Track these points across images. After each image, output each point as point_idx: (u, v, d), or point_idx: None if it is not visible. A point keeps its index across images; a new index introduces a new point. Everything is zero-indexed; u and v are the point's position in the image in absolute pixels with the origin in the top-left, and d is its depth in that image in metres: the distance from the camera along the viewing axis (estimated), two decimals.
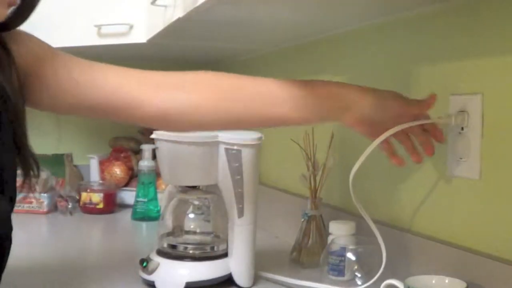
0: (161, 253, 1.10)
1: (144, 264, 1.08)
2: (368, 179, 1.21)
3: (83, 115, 0.95)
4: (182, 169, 1.06)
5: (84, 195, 1.82)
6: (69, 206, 1.80)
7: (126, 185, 1.99)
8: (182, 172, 1.06)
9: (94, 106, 0.89)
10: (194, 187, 1.13)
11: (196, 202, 1.14)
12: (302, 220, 1.26)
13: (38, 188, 1.77)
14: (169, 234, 1.15)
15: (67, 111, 0.94)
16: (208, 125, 0.93)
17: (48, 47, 0.90)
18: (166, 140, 1.08)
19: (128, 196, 1.91)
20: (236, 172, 1.05)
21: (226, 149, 1.05)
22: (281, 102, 0.89)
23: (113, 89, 0.88)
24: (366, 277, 1.03)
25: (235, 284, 1.07)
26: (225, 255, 1.09)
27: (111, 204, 1.85)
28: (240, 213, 1.06)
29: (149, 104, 0.87)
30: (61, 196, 1.83)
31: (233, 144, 1.05)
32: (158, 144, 1.09)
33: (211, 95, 0.89)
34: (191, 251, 1.10)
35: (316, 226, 1.24)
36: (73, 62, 0.90)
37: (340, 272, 1.08)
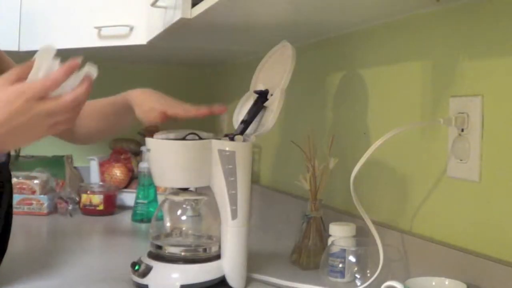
0: (153, 255, 1.08)
1: (137, 267, 1.06)
2: (368, 181, 1.21)
3: None
4: (174, 171, 1.05)
5: (84, 197, 1.82)
6: (69, 208, 1.80)
7: (126, 186, 1.99)
8: (174, 174, 1.05)
9: None
10: (186, 189, 1.12)
11: (187, 206, 1.14)
12: (302, 221, 1.25)
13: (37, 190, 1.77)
14: (161, 236, 1.14)
15: None
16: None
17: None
18: (158, 143, 1.07)
19: (128, 197, 1.91)
20: (230, 174, 1.04)
21: (220, 151, 1.04)
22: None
23: None
24: (366, 279, 1.03)
25: (229, 286, 1.07)
26: (217, 257, 1.08)
27: (111, 206, 1.85)
28: (234, 215, 1.05)
29: None
30: (61, 198, 1.83)
31: (227, 146, 1.05)
32: (149, 146, 1.08)
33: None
34: (183, 253, 1.09)
35: (316, 228, 1.24)
36: None
37: (341, 274, 1.08)
